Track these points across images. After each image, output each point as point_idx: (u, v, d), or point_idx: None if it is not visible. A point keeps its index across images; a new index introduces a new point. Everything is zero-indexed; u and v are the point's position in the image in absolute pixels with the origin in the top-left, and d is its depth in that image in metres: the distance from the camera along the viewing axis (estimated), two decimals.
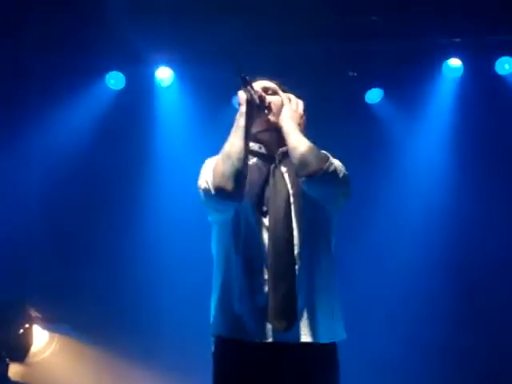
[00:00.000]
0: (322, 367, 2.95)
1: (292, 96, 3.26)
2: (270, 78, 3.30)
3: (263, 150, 3.14)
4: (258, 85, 3.19)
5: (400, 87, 6.12)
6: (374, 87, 6.17)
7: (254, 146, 3.12)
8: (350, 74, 6.06)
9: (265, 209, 3.01)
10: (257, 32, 5.63)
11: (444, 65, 6.07)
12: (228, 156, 2.94)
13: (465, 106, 6.07)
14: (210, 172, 2.95)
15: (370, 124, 6.12)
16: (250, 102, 3.06)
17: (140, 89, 6.10)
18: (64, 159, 5.95)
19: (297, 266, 2.94)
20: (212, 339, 3.03)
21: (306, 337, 2.90)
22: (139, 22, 5.54)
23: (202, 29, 5.58)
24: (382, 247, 5.98)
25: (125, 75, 6.07)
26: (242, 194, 2.95)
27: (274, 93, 3.22)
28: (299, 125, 3.18)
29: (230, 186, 2.90)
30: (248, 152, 3.01)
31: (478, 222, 5.99)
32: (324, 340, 2.94)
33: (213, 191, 2.92)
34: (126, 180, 5.99)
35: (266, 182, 3.08)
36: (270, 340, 2.88)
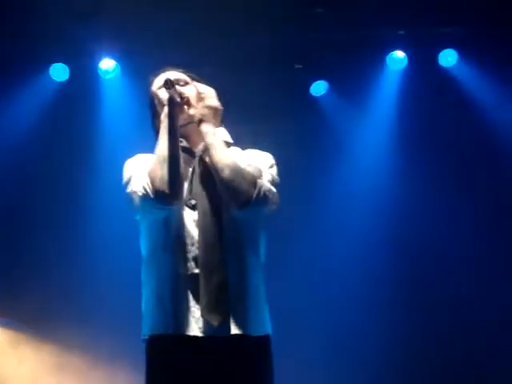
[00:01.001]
0: (254, 359, 2.94)
1: (200, 85, 3.18)
2: (177, 67, 3.25)
3: (185, 144, 3.09)
4: (169, 76, 3.11)
5: (345, 79, 6.13)
6: (319, 80, 6.17)
7: None
8: (296, 66, 6.06)
9: (193, 202, 2.98)
10: (201, 24, 5.59)
11: (388, 57, 6.09)
12: (163, 160, 2.90)
13: (409, 97, 6.11)
14: (146, 177, 2.91)
15: (316, 116, 6.14)
16: (171, 102, 3.01)
17: (84, 81, 6.04)
18: (5, 150, 5.89)
19: (227, 261, 2.91)
20: (144, 338, 2.99)
21: (238, 329, 2.88)
22: (83, 14, 5.48)
23: (146, 20, 5.54)
24: (327, 239, 6.00)
25: (69, 67, 6.00)
26: (180, 195, 2.93)
27: (186, 83, 3.18)
28: (215, 116, 3.11)
29: (169, 189, 2.87)
30: (180, 151, 2.97)
31: (424, 211, 6.04)
32: (256, 332, 2.92)
33: (152, 196, 2.88)
34: (69, 171, 5.94)
35: (192, 175, 3.04)
36: (203, 334, 2.86)
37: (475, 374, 5.74)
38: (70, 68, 6.02)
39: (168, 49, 5.53)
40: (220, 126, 3.18)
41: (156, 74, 3.25)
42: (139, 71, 5.85)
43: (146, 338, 2.98)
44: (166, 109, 3.02)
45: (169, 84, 2.98)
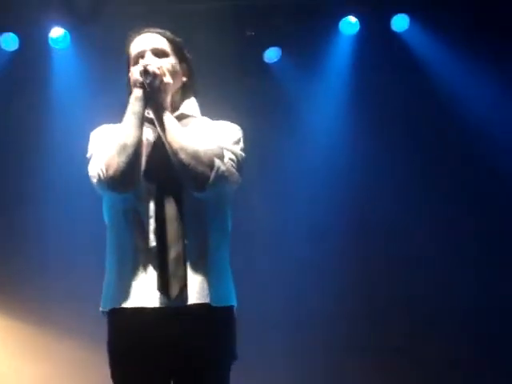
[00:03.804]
0: (215, 329, 2.93)
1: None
2: (160, 28, 3.14)
3: (151, 115, 2.97)
4: (148, 45, 3.05)
5: (298, 45, 6.09)
6: (272, 46, 6.15)
7: None
8: (248, 33, 6.03)
9: (153, 174, 2.92)
10: None
11: (341, 22, 6.07)
12: (124, 148, 2.82)
13: (362, 63, 6.10)
14: (102, 163, 2.85)
15: (269, 83, 6.11)
16: (145, 86, 2.91)
17: (34, 50, 5.92)
18: None
19: (187, 233, 2.88)
20: (104, 311, 2.98)
21: (196, 299, 2.87)
22: None
23: None
24: (282, 209, 6.03)
25: (18, 36, 5.90)
26: (137, 184, 2.87)
27: (164, 54, 3.06)
28: (185, 84, 3.11)
29: (124, 179, 2.82)
30: (142, 139, 2.89)
31: (378, 174, 6.07)
32: (216, 303, 2.92)
33: (106, 184, 2.84)
34: (19, 144, 5.87)
35: (154, 146, 2.97)
36: (163, 305, 2.85)
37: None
38: (19, 37, 5.91)
39: (119, 16, 5.47)
40: (188, 97, 3.14)
41: (134, 33, 3.13)
42: (90, 41, 5.80)
43: (106, 310, 2.97)
44: (136, 91, 2.93)
45: (146, 75, 2.90)
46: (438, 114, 6.08)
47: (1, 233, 5.83)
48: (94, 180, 2.90)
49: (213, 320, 2.92)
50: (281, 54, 6.16)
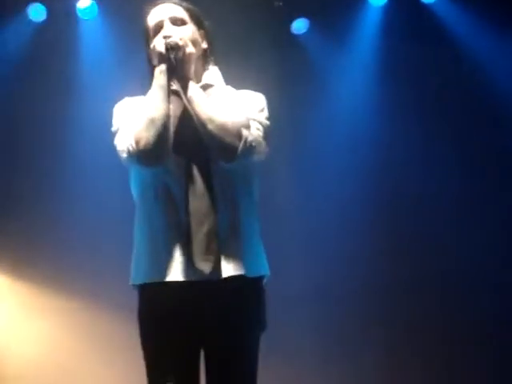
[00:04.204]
0: (247, 300, 2.96)
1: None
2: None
3: (176, 87, 2.97)
4: (165, 14, 3.05)
5: (326, 16, 6.06)
6: (300, 17, 6.11)
7: None
8: (276, 3, 6.00)
9: (181, 148, 2.91)
10: None
11: None
12: (152, 121, 2.81)
13: (390, 34, 6.07)
14: (132, 137, 2.84)
15: (297, 55, 6.08)
16: (170, 60, 2.90)
17: (61, 21, 5.92)
18: None
19: (218, 207, 2.89)
20: (135, 284, 3.00)
21: (230, 271, 2.88)
22: None
23: None
24: (309, 182, 6.02)
25: (46, 7, 5.90)
26: (166, 157, 2.86)
27: (183, 23, 3.06)
28: (206, 51, 3.10)
29: (154, 152, 2.82)
30: (169, 112, 2.87)
31: (410, 155, 6.04)
32: (250, 273, 2.93)
33: (136, 158, 2.84)
34: (47, 116, 5.85)
35: (180, 120, 2.97)
36: (197, 279, 2.86)
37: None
38: (47, 8, 5.91)
39: None
40: (209, 66, 3.13)
41: (152, 5, 3.12)
42: (119, 13, 5.79)
43: (138, 284, 2.99)
44: (161, 66, 2.91)
45: (169, 50, 2.89)
46: (467, 86, 6.02)
47: (30, 206, 5.86)
48: (124, 154, 2.89)
49: (246, 291, 2.94)
50: (308, 25, 6.13)
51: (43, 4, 5.90)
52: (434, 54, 5.98)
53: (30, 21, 5.92)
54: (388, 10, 6.07)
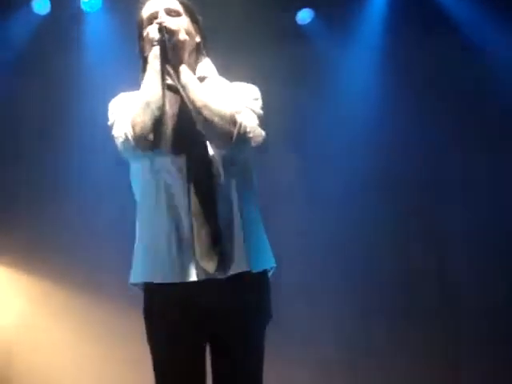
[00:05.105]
0: (254, 294, 2.97)
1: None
2: None
3: (170, 81, 2.99)
4: (160, 5, 3.06)
5: (331, 7, 6.05)
6: (305, 7, 6.10)
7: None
8: None
9: (180, 146, 2.91)
10: None
11: None
12: (147, 104, 2.81)
13: (395, 25, 6.05)
14: (128, 122, 2.83)
15: (302, 45, 6.06)
16: (163, 43, 2.90)
17: (65, 14, 5.92)
18: None
19: (219, 204, 2.88)
20: (136, 283, 3.00)
21: (237, 269, 2.88)
22: None
23: None
24: (312, 171, 6.02)
25: (50, 0, 5.90)
26: (162, 142, 2.85)
27: (178, 14, 3.07)
28: (199, 45, 3.10)
29: (151, 136, 2.80)
30: (164, 96, 2.88)
31: (414, 141, 6.04)
32: (255, 269, 2.93)
33: (133, 142, 2.81)
34: (50, 108, 5.87)
35: (178, 117, 2.96)
36: (203, 279, 2.85)
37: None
38: (51, 1, 5.90)
39: None
40: (201, 59, 3.13)
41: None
42: (121, 2, 5.77)
43: (140, 283, 2.99)
44: (155, 49, 2.92)
45: (162, 32, 2.89)
46: (470, 74, 6.00)
47: (28, 196, 5.86)
48: (121, 140, 2.87)
49: (251, 285, 2.95)
50: (313, 15, 6.12)
51: None
52: (440, 44, 5.97)
53: (35, 14, 5.93)
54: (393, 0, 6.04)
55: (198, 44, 3.12)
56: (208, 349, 3.02)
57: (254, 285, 2.96)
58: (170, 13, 3.05)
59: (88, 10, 5.94)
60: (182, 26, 3.01)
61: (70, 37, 5.91)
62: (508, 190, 5.93)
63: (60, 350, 5.76)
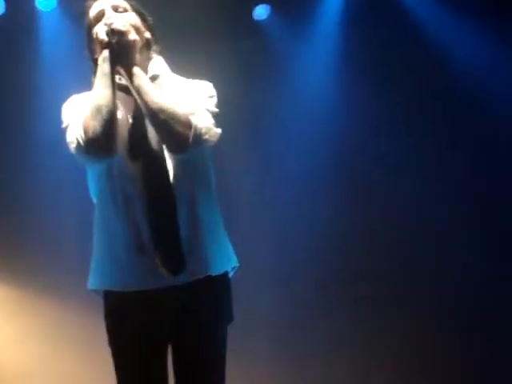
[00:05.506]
0: (214, 297, 2.98)
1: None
2: None
3: (123, 81, 2.94)
4: (106, 3, 3.05)
5: (288, 2, 6.06)
6: (261, 3, 6.10)
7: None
8: None
9: (135, 152, 2.87)
10: None
11: None
12: (98, 109, 2.75)
13: (352, 21, 6.06)
14: (80, 127, 2.78)
15: (259, 41, 6.08)
16: (111, 45, 2.85)
17: (21, 13, 5.85)
18: None
19: (177, 208, 2.86)
20: (96, 291, 3.00)
21: (198, 274, 2.89)
22: None
23: None
24: (269, 166, 6.05)
25: (4, 0, 5.83)
26: (115, 146, 2.79)
27: (125, 10, 3.05)
28: (149, 41, 3.08)
29: (102, 141, 2.74)
30: (115, 99, 2.82)
31: (372, 134, 6.06)
32: (215, 272, 2.94)
33: (85, 148, 2.76)
34: (7, 110, 5.82)
35: (133, 118, 2.93)
36: (162, 286, 2.85)
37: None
38: (5, 1, 5.82)
39: None
40: (153, 56, 3.11)
41: (91, 1, 3.12)
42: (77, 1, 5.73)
43: (100, 290, 2.98)
44: (104, 52, 2.87)
45: (111, 34, 2.85)
46: (430, 72, 6.04)
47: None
48: (73, 146, 2.82)
49: (213, 288, 2.95)
50: (270, 11, 6.12)
51: None
52: (396, 39, 5.99)
53: None
54: None
55: (147, 40, 3.10)
56: (170, 350, 3.02)
57: (213, 286, 2.95)
58: (117, 9, 3.04)
59: (43, 8, 5.89)
60: (130, 21, 2.98)
61: (25, 36, 5.86)
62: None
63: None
